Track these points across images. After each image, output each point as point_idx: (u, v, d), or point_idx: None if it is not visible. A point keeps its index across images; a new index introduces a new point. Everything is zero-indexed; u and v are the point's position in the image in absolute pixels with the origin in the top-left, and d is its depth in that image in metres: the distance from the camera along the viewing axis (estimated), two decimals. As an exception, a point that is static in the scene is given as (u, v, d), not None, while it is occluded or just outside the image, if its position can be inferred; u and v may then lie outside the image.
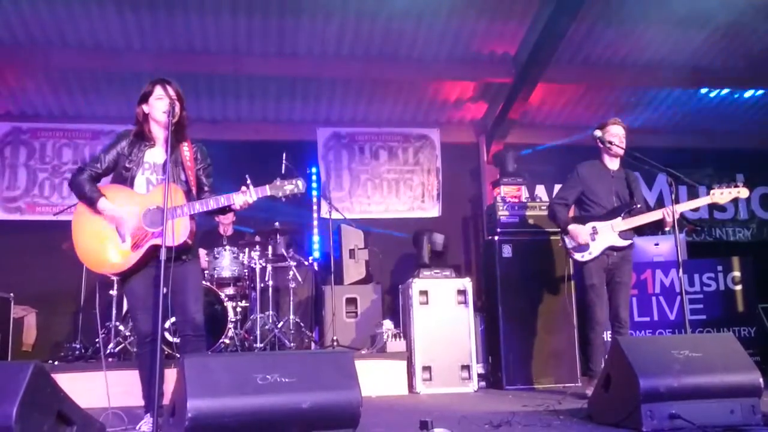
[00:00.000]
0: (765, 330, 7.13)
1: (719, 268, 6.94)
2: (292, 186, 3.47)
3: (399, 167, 8.64)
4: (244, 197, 3.44)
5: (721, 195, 4.67)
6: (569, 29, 6.70)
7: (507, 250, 6.19)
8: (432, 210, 8.55)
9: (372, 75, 7.70)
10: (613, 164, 5.04)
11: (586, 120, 8.60)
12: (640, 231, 5.01)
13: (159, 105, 3.55)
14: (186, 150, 3.66)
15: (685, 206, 4.86)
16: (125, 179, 3.57)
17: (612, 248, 4.84)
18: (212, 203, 3.46)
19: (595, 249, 4.84)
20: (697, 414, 3.19)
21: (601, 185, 4.99)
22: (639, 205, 4.91)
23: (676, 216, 4.52)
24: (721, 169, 8.65)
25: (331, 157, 8.51)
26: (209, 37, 7.07)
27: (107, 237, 3.50)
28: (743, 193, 4.66)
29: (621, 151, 4.92)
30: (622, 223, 4.82)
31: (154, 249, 3.39)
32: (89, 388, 5.00)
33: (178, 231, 3.41)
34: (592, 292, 4.88)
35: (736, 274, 6.90)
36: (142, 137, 3.63)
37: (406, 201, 8.57)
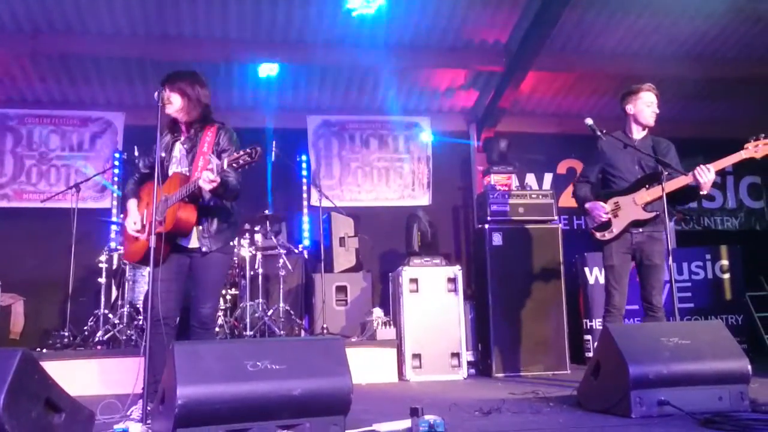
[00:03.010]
0: (752, 318, 7.21)
1: (707, 256, 7.00)
2: (246, 156, 3.26)
3: (389, 155, 8.61)
4: (208, 175, 3.37)
5: (756, 149, 4.16)
6: (561, 17, 6.68)
7: (497, 239, 6.21)
8: (422, 198, 8.53)
9: (362, 62, 7.65)
10: (639, 133, 4.58)
11: (577, 108, 8.64)
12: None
13: (168, 105, 3.73)
14: (208, 137, 3.77)
15: (718, 165, 4.26)
16: (165, 174, 3.80)
17: (635, 223, 4.37)
18: (184, 191, 3.56)
19: (617, 226, 4.39)
20: (685, 400, 3.22)
21: (623, 156, 4.52)
22: (667, 173, 4.25)
23: (709, 179, 4.17)
24: (711, 158, 8.68)
25: (321, 145, 8.47)
26: (199, 23, 6.99)
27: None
28: None
29: (652, 121, 4.54)
30: (646, 195, 4.32)
31: (161, 237, 3.52)
32: (78, 376, 5.03)
33: (168, 219, 3.59)
34: (610, 273, 4.46)
35: (724, 262, 6.96)
36: (173, 131, 3.88)
37: (397, 189, 8.54)
